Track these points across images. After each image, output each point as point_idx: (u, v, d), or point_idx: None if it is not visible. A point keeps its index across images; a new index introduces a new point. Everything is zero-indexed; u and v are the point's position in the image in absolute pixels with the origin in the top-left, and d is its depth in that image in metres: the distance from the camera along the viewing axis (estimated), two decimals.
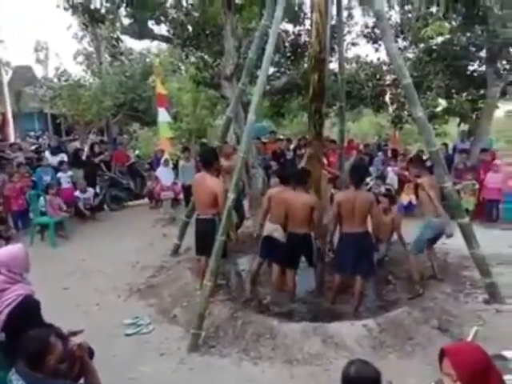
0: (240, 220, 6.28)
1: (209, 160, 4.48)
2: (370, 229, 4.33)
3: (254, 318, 3.92)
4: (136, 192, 9.93)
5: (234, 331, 3.82)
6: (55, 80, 14.30)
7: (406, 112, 10.56)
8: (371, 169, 9.16)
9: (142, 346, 3.87)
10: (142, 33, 8.70)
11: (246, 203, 7.25)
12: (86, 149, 10.76)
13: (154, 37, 9.12)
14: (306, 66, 10.20)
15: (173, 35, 9.01)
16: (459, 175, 8.09)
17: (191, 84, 11.91)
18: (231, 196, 3.96)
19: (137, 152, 13.69)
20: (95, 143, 10.55)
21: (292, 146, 10.43)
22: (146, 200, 9.84)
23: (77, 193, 8.38)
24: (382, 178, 8.53)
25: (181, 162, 8.97)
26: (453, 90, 10.05)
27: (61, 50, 42.76)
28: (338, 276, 4.42)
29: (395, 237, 5.37)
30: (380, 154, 10.67)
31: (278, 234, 4.57)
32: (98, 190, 9.08)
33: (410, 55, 10.64)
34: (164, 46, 16.82)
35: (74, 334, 2.69)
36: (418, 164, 5.02)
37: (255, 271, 4.84)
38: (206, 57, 9.51)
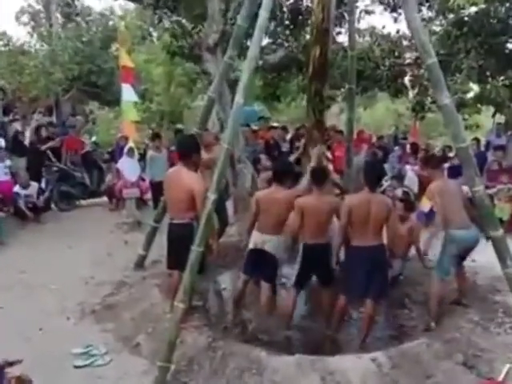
0: (222, 226, 6.29)
1: (188, 150, 4.45)
2: (385, 241, 4.39)
3: (236, 349, 3.93)
4: (92, 188, 9.90)
5: (211, 365, 3.82)
6: None
7: (429, 98, 10.71)
8: (385, 166, 9.26)
9: (96, 381, 3.83)
10: None
11: (229, 206, 7.26)
12: (29, 132, 10.67)
13: None
14: (308, 37, 10.25)
15: None
16: (493, 177, 8.24)
17: (164, 55, 11.88)
18: (212, 196, 3.96)
19: (94, 138, 13.61)
20: (41, 125, 10.45)
21: (288, 136, 10.49)
22: (105, 199, 9.80)
23: (16, 188, 8.30)
24: (398, 178, 8.63)
25: (149, 153, 8.95)
26: (487, 73, 10.18)
27: None
28: (344, 298, 4.47)
29: (413, 251, 5.45)
30: (397, 148, 10.80)
31: (271, 246, 4.61)
32: (43, 184, 9.01)
33: (437, 28, 10.76)
34: (131, 5, 16.79)
35: (11, 364, 2.68)
36: (429, 163, 5.09)
37: (240, 291, 4.86)
38: (183, 21, 9.48)
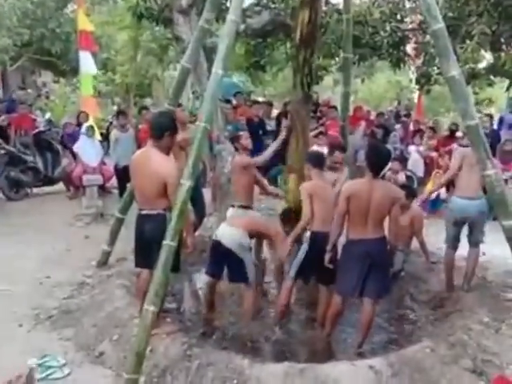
0: (199, 217, 6.30)
1: (164, 129, 4.34)
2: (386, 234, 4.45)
3: (215, 357, 3.95)
4: (46, 174, 9.77)
5: (187, 376, 3.84)
6: None
7: (435, 69, 10.76)
8: None
9: None
10: None
11: (207, 193, 7.26)
12: None
13: None
14: None
15: None
16: (507, 159, 8.35)
17: (130, 18, 11.70)
18: (187, 183, 3.95)
19: (48, 115, 13.43)
20: None
21: (275, 113, 10.50)
22: (61, 186, 9.70)
23: None
24: (400, 160, 8.70)
25: (113, 132, 8.89)
26: (501, 40, 10.25)
27: None
28: (339, 298, 4.52)
29: (416, 244, 5.53)
30: (398, 126, 10.89)
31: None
32: None
33: None
34: None
35: None
36: None
37: (208, 292, 5.01)
38: None
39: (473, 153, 4.69)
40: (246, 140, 5.50)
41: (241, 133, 5.83)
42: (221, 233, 4.84)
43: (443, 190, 8.60)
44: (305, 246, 4.73)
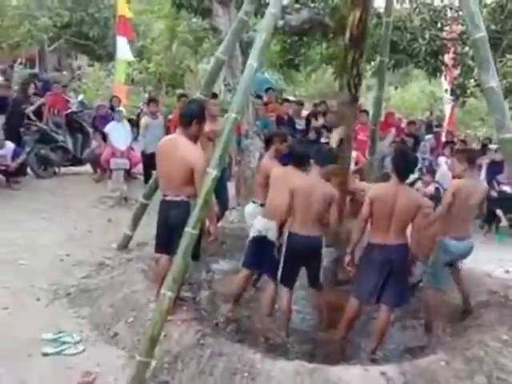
0: (221, 210, 6.32)
1: (193, 116, 4.35)
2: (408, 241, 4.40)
3: (228, 349, 3.95)
4: (74, 154, 9.89)
5: (198, 364, 3.85)
6: None
7: (472, 81, 10.59)
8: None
9: (65, 372, 3.86)
10: None
11: (231, 187, 7.28)
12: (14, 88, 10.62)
13: None
14: None
15: None
16: None
17: (169, 7, 11.80)
18: (213, 172, 3.96)
19: (80, 97, 13.60)
20: (28, 82, 10.41)
21: (304, 113, 10.45)
22: (88, 167, 9.82)
23: None
24: (430, 171, 8.59)
25: (144, 119, 8.95)
26: None
27: None
28: (357, 302, 4.48)
29: None
30: (429, 137, 10.74)
31: (273, 234, 4.64)
32: (24, 147, 8.98)
33: (488, 0, 10.61)
34: None
35: None
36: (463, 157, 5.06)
37: (240, 287, 4.93)
38: None
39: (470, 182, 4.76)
40: (282, 144, 5.30)
41: (279, 132, 5.64)
42: (264, 227, 4.75)
43: None
44: (283, 251, 4.55)
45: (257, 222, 4.87)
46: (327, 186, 4.56)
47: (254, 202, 5.35)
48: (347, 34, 4.71)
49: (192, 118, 4.34)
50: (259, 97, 9.85)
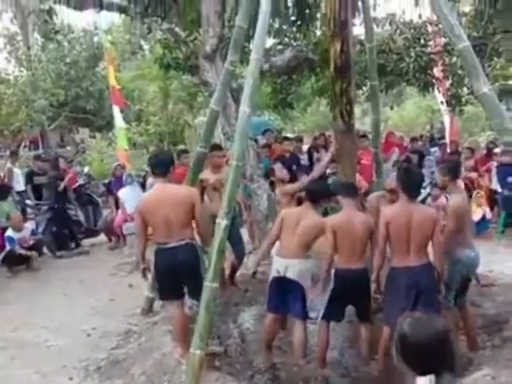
0: (239, 258, 6.26)
1: (169, 164, 4.63)
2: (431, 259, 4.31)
3: None
4: (87, 227, 9.95)
5: None
6: None
7: (465, 89, 10.63)
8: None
9: None
10: (83, 0, 8.84)
11: (243, 232, 7.24)
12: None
13: (100, 5, 9.26)
14: (318, 33, 10.32)
15: (128, 1, 9.17)
16: None
17: (157, 69, 12.09)
18: (223, 222, 3.95)
19: (86, 169, 13.80)
20: (56, 158, 10.48)
21: (305, 147, 10.51)
22: (102, 237, 9.85)
23: (9, 231, 8.28)
24: (437, 184, 8.51)
25: (149, 179, 9.01)
26: None
27: None
28: (388, 328, 4.36)
29: None
30: (435, 150, 10.71)
31: (292, 272, 4.57)
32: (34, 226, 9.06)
33: (466, 8, 10.76)
34: (117, 17, 17.17)
35: None
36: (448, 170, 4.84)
37: (268, 333, 4.83)
38: (176, 29, 9.63)
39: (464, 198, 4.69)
40: (280, 171, 5.44)
41: (274, 166, 5.77)
42: (282, 266, 4.64)
43: (488, 210, 8.39)
44: (330, 287, 4.51)
45: (274, 262, 4.82)
46: (362, 215, 4.63)
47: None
48: (332, 66, 4.78)
49: (168, 167, 4.60)
50: (255, 140, 9.93)
